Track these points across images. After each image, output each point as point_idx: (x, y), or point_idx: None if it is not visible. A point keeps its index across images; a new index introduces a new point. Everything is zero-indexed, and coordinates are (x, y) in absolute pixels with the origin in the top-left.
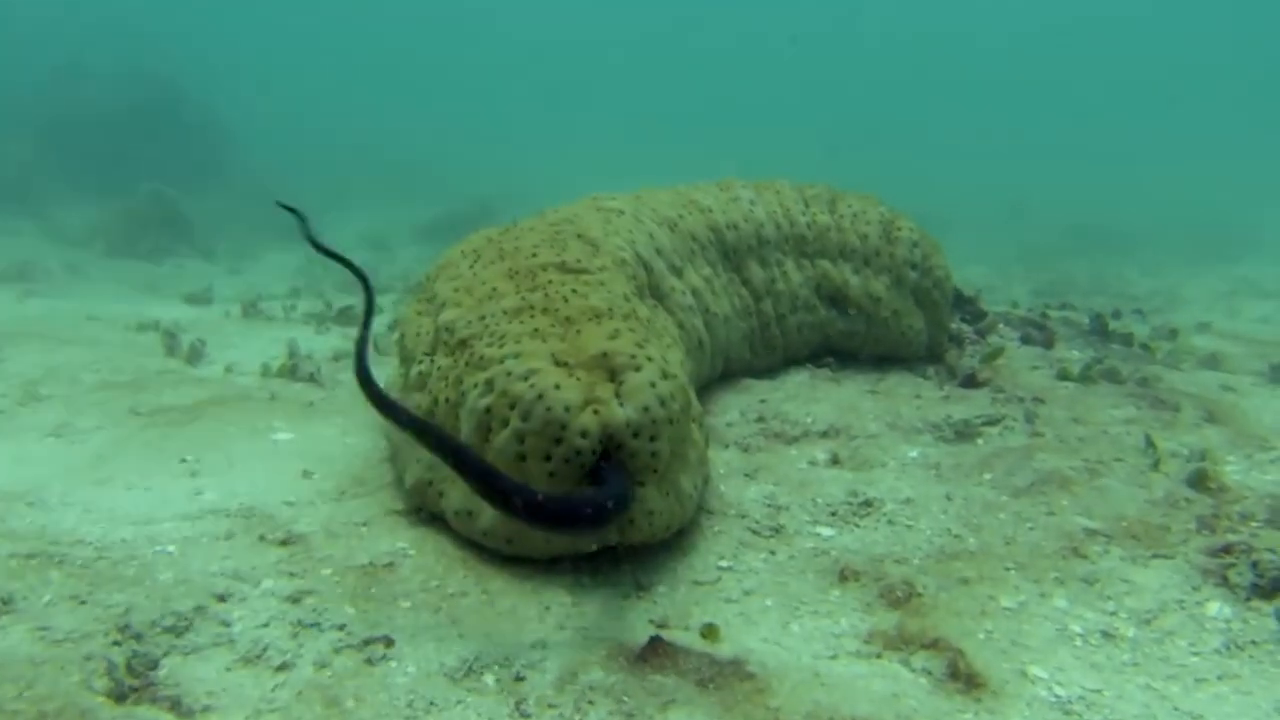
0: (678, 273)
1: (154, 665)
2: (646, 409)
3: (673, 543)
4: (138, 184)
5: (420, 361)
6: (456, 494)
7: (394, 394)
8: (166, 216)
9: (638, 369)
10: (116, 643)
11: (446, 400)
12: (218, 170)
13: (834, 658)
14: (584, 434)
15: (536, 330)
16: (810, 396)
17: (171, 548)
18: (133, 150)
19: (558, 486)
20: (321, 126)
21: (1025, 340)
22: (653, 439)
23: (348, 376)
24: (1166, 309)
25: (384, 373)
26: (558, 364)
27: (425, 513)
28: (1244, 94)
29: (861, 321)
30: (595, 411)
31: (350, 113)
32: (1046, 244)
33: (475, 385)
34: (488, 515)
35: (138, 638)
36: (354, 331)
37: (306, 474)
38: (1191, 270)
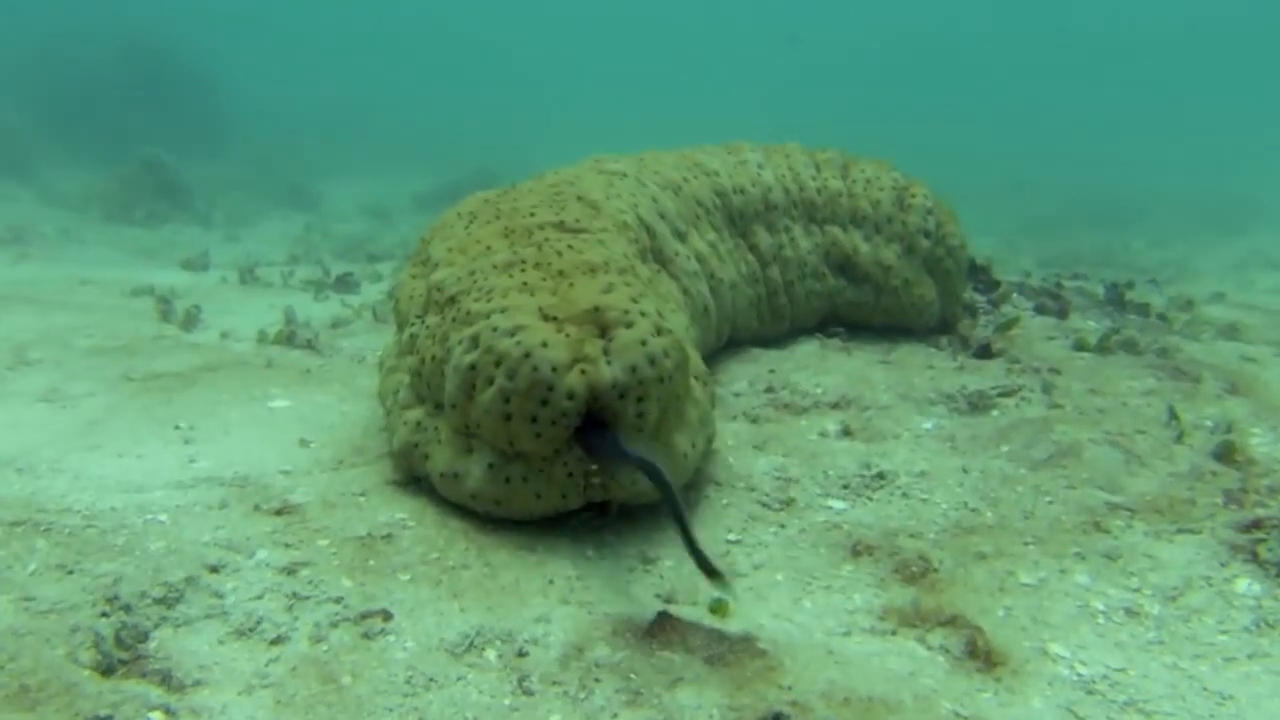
0: (681, 237)
1: (143, 637)
2: (634, 369)
3: None
4: (135, 149)
5: (413, 324)
6: (442, 456)
7: (390, 360)
8: (163, 182)
9: (629, 325)
10: (104, 614)
11: (433, 358)
12: (216, 136)
13: (847, 635)
14: (570, 396)
15: (525, 284)
16: (820, 367)
17: (163, 516)
18: (130, 115)
19: (544, 447)
20: (322, 93)
21: (1040, 310)
22: (640, 400)
23: (346, 344)
24: (1178, 280)
25: (382, 340)
26: (546, 319)
27: (426, 482)
28: (1246, 65)
29: (871, 290)
30: (582, 371)
31: (352, 79)
32: (1051, 216)
33: (460, 341)
34: (474, 477)
35: (127, 609)
36: (352, 298)
37: (303, 442)
38: (1200, 242)
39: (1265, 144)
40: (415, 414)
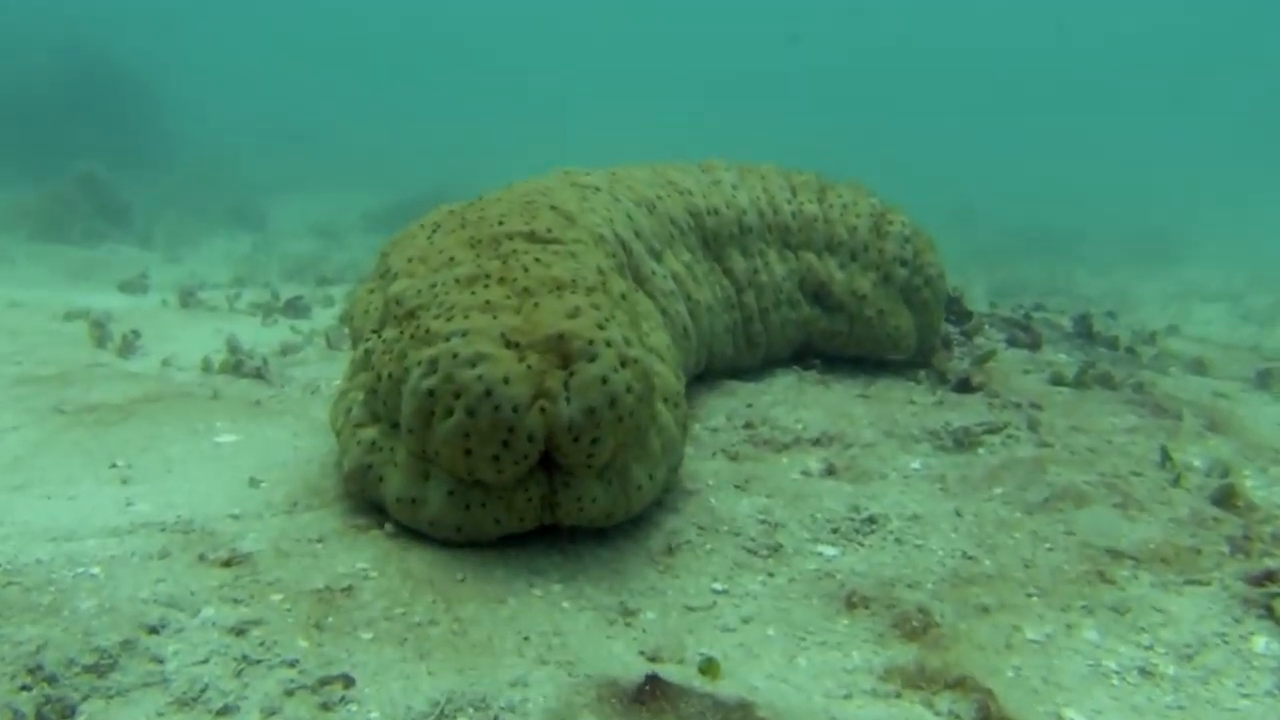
0: (657, 256)
1: (70, 712)
2: (592, 411)
3: (660, 561)
4: (70, 163)
5: (368, 339)
6: (398, 479)
7: (342, 381)
8: (101, 199)
9: (592, 359)
10: (25, 687)
11: (390, 375)
12: (157, 151)
13: (848, 698)
14: (531, 438)
15: (488, 303)
16: (799, 400)
17: (96, 569)
18: (65, 127)
19: (506, 480)
20: (269, 107)
21: (1012, 342)
22: (593, 441)
23: (299, 372)
24: (1124, 311)
25: (337, 368)
26: (508, 344)
27: (390, 524)
28: (1170, 98)
29: (844, 320)
30: (542, 410)
31: (300, 93)
32: (994, 245)
33: (419, 363)
34: (433, 503)
35: (51, 680)
36: (302, 323)
37: (253, 482)
38: (1137, 272)
39: (1190, 176)
40: (370, 433)
